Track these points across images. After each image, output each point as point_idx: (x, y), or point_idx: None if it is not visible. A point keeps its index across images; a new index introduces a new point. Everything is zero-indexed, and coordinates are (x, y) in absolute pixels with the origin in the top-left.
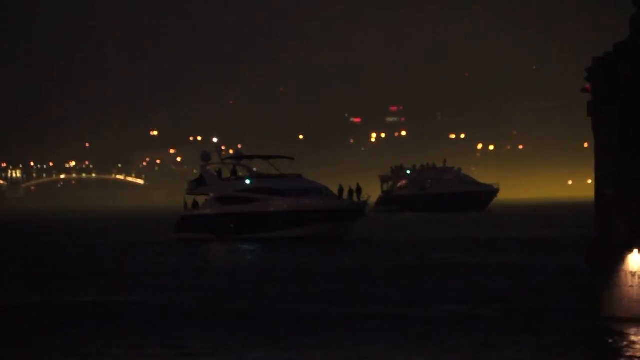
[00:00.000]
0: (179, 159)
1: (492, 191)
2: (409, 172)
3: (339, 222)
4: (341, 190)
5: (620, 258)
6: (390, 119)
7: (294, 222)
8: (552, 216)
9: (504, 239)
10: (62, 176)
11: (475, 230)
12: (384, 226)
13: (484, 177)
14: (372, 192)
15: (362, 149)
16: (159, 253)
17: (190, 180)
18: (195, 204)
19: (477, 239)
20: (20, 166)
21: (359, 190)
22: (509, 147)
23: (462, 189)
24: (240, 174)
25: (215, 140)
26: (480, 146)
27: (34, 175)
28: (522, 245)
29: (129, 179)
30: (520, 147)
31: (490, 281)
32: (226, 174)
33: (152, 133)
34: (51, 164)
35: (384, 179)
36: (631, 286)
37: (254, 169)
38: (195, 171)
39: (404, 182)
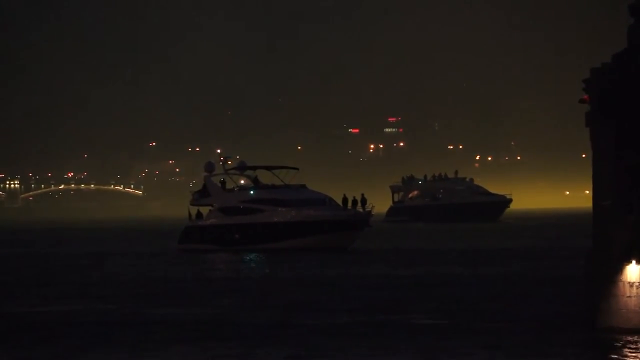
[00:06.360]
0: (177, 170)
1: (505, 201)
2: (420, 182)
3: (342, 232)
4: (345, 200)
5: (618, 268)
6: (388, 130)
7: (297, 233)
8: (551, 226)
9: (507, 248)
10: (61, 187)
11: (483, 240)
12: (392, 236)
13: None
14: (377, 203)
15: (361, 159)
16: (162, 263)
17: (194, 191)
18: (199, 215)
19: (483, 248)
20: (18, 177)
21: (363, 200)
22: (507, 158)
23: (474, 200)
24: (242, 182)
25: (218, 151)
26: (478, 157)
27: (32, 186)
28: (523, 255)
29: (128, 189)
30: (518, 157)
31: (487, 292)
32: (230, 184)
33: (150, 144)
34: (49, 175)
35: (395, 189)
36: (629, 297)
37: (255, 177)
38: (194, 181)
39: (415, 192)
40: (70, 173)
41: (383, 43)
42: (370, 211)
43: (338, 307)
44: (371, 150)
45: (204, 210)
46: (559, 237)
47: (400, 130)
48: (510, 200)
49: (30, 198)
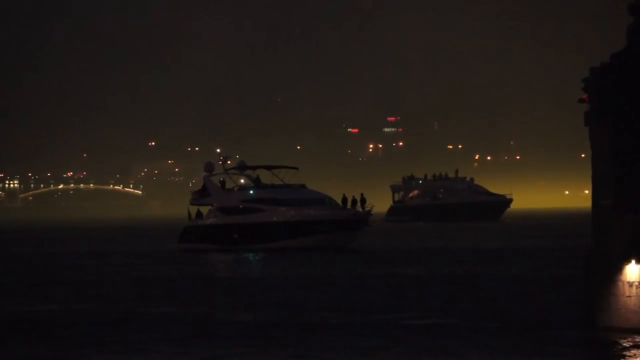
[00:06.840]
0: (177, 170)
1: (505, 201)
2: (420, 181)
3: (342, 232)
4: (345, 200)
5: (618, 268)
6: (387, 130)
7: (297, 232)
8: (551, 225)
9: (507, 248)
10: (60, 186)
11: (483, 240)
12: (392, 236)
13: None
14: (376, 203)
15: (360, 159)
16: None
17: (193, 190)
18: (198, 214)
19: (483, 248)
20: (18, 176)
21: (362, 200)
22: (506, 158)
23: (474, 199)
24: (242, 181)
25: (218, 150)
26: (477, 156)
27: (32, 185)
28: (523, 255)
29: (127, 189)
30: (518, 157)
31: (486, 292)
32: (229, 184)
33: (150, 143)
34: (49, 174)
35: (395, 189)
36: (628, 296)
37: (256, 176)
38: (193, 181)
39: (415, 192)
40: (69, 173)
41: (383, 43)
42: (369, 211)
43: (337, 307)
44: (370, 150)
45: (204, 209)
46: (559, 237)
47: (400, 129)
48: (510, 200)
49: (30, 198)
